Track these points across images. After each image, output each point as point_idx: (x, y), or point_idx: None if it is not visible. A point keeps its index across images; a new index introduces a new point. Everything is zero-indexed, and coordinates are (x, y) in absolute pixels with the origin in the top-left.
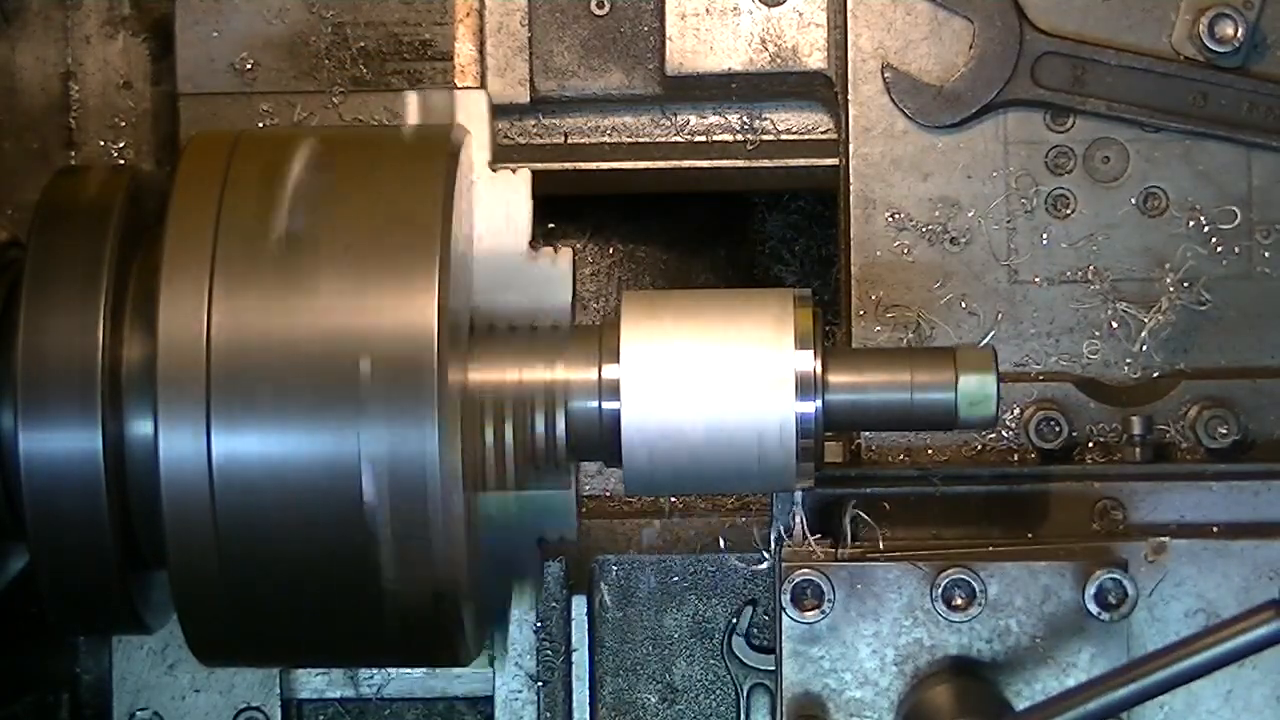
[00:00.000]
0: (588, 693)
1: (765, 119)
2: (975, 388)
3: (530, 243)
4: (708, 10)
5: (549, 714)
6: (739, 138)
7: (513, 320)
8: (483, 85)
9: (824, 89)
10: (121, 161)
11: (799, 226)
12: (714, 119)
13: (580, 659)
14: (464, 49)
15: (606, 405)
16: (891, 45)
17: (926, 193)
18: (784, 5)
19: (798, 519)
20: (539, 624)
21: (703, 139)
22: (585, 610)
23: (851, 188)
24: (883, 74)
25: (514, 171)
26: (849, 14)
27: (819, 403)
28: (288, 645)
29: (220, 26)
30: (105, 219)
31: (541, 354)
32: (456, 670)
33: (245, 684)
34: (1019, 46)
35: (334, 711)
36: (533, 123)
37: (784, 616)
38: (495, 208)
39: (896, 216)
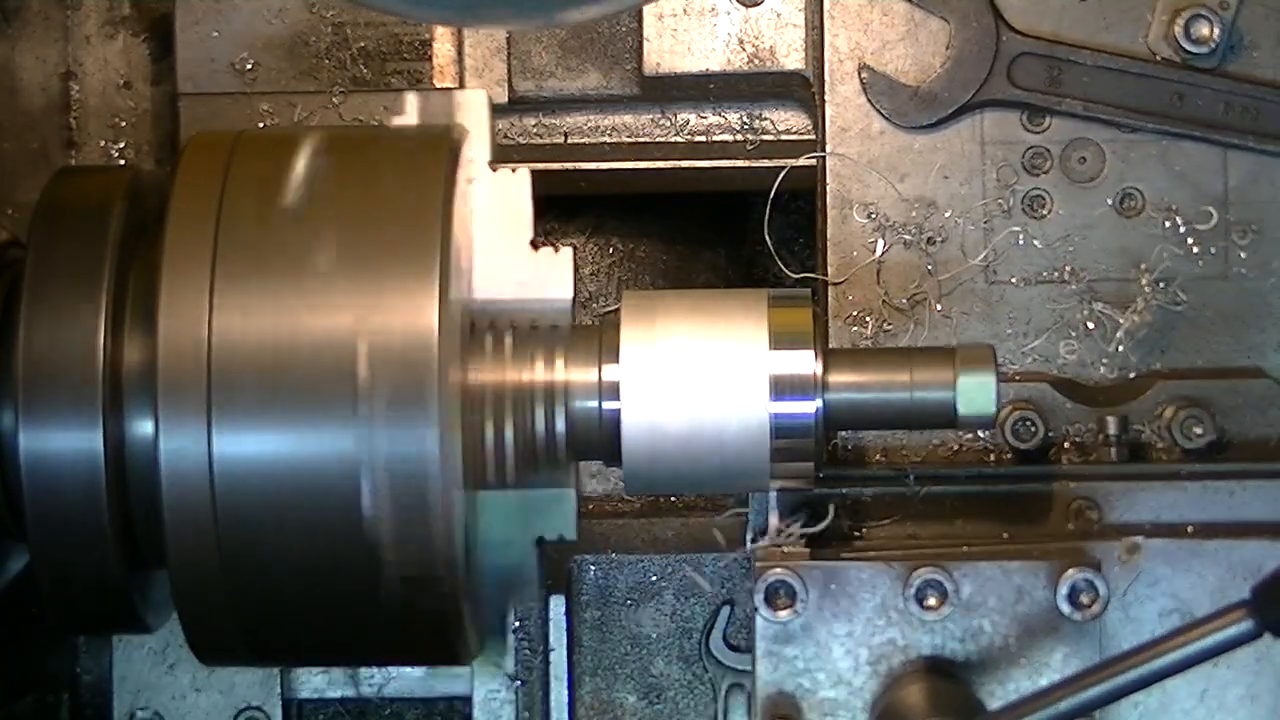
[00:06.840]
0: (566, 692)
1: (765, 119)
2: (975, 386)
3: (531, 241)
4: (685, 10)
5: (527, 714)
6: (738, 138)
7: (513, 320)
8: (460, 85)
9: (801, 89)
10: (121, 161)
11: (799, 226)
12: (713, 119)
13: (558, 658)
14: (442, 49)
15: (606, 405)
16: (868, 46)
17: (903, 193)
18: (761, 6)
19: (771, 519)
20: (517, 623)
21: (702, 139)
22: (563, 610)
23: (828, 188)
24: (859, 74)
25: (513, 171)
26: (826, 14)
27: (819, 402)
28: (288, 645)
29: (220, 26)
30: (105, 219)
31: (542, 354)
32: (437, 670)
33: (245, 684)
34: (995, 47)
35: (334, 711)
36: (532, 122)
37: (758, 616)
38: (496, 206)
39: (873, 217)
